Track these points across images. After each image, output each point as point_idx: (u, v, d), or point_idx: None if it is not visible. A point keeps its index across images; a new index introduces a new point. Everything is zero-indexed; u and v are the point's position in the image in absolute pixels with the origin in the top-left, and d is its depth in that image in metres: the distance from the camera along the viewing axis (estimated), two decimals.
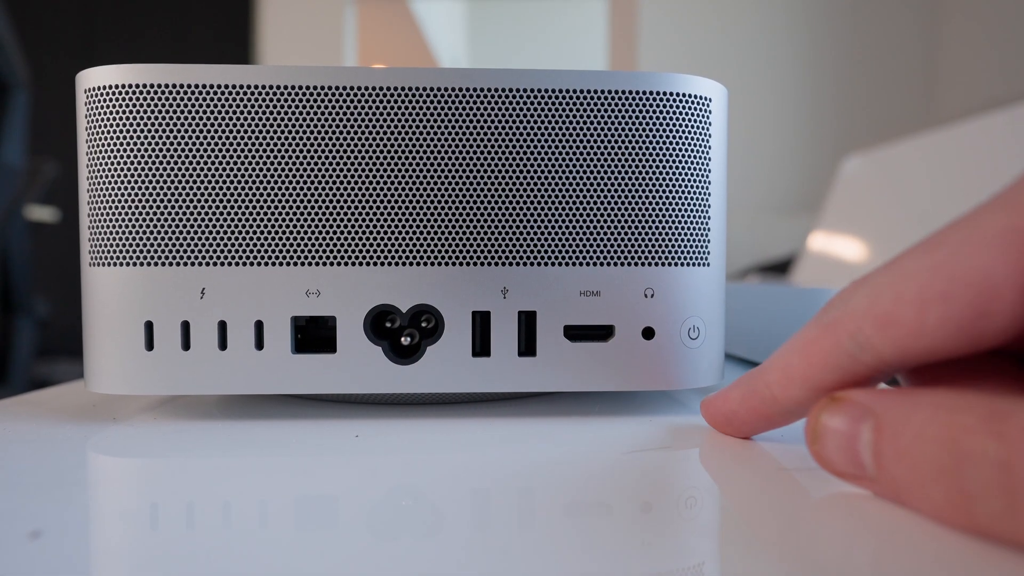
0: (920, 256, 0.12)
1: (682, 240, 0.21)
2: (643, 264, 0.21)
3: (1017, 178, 0.11)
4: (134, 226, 0.20)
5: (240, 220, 0.20)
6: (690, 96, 0.21)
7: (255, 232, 0.20)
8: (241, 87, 0.20)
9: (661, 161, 0.21)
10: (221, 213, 0.20)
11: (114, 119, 0.20)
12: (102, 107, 0.20)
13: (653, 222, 0.21)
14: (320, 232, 0.20)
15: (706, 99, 0.21)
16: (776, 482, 0.15)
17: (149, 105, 0.20)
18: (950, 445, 0.11)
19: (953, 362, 0.14)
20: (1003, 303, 0.11)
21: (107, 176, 0.20)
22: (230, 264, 0.20)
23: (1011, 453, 0.10)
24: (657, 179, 0.21)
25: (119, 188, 0.20)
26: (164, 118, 0.20)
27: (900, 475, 0.12)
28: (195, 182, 0.20)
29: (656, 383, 0.21)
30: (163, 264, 0.20)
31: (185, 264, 0.20)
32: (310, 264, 0.20)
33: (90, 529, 0.13)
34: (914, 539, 0.12)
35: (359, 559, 0.11)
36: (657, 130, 0.21)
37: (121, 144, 0.20)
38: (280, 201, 0.20)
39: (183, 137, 0.20)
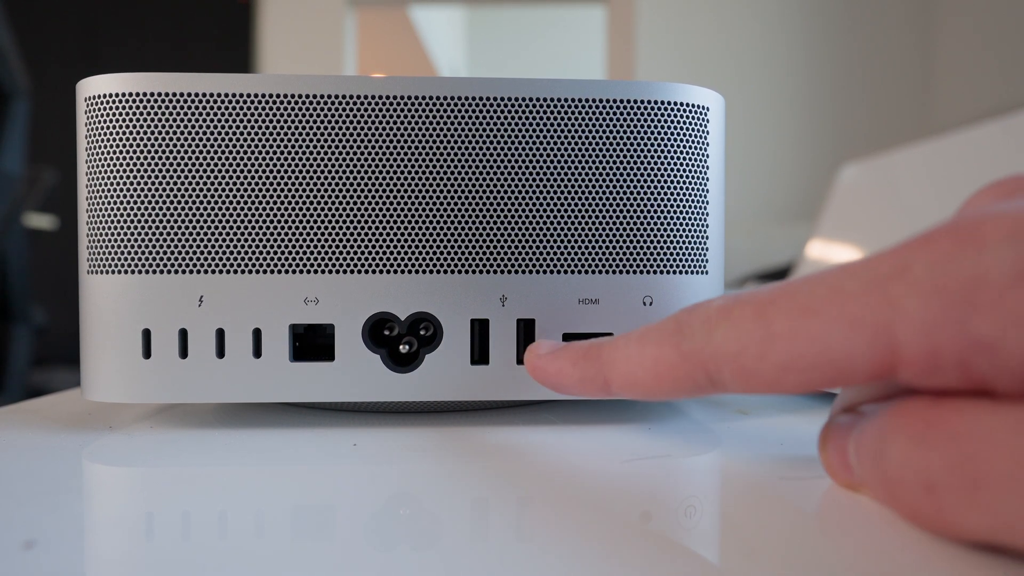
0: (791, 316, 0.12)
1: (680, 248, 0.21)
2: (641, 272, 0.21)
3: (896, 247, 0.12)
4: (132, 234, 0.20)
5: (238, 228, 0.20)
6: (687, 105, 0.21)
7: (253, 240, 0.20)
8: (240, 96, 0.20)
9: (659, 169, 0.21)
10: (219, 221, 0.20)
11: (114, 127, 0.20)
12: (102, 115, 0.20)
13: (651, 230, 0.21)
14: (319, 239, 0.20)
15: (703, 108, 0.21)
16: (777, 491, 0.15)
17: (149, 114, 0.20)
18: (916, 443, 0.11)
19: None
20: (853, 381, 0.12)
21: (106, 184, 0.20)
22: (228, 272, 0.20)
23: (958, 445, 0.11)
24: (655, 187, 0.21)
25: (118, 196, 0.20)
26: (164, 127, 0.20)
27: (879, 480, 0.12)
28: (194, 190, 0.20)
29: None
30: (161, 272, 0.20)
31: (183, 272, 0.20)
32: (308, 272, 0.20)
33: (85, 539, 0.13)
34: (917, 548, 0.12)
35: (357, 569, 0.11)
36: (655, 139, 0.21)
37: (121, 152, 0.20)
38: (278, 209, 0.20)
39: (182, 145, 0.20)
